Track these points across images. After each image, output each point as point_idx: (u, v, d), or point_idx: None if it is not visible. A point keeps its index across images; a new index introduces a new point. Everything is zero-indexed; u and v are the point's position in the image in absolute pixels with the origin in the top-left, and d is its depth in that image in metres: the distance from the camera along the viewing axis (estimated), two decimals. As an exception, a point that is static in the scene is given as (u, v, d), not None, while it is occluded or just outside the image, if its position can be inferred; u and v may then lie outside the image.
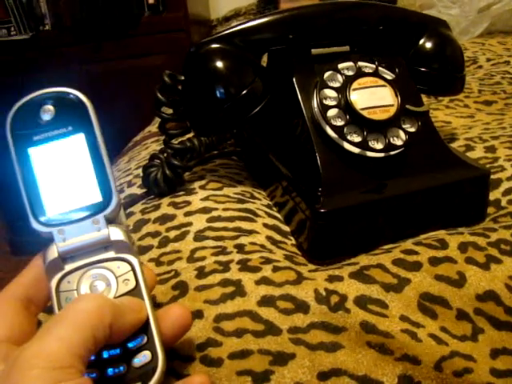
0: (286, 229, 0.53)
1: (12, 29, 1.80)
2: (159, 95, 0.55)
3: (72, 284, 0.33)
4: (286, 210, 0.53)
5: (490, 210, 0.53)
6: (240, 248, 0.47)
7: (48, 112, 0.35)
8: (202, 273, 0.45)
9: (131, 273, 0.34)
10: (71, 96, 0.35)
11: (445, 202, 0.50)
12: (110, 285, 0.33)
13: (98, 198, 0.35)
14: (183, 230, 0.50)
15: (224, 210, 0.53)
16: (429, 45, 0.59)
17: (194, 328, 0.40)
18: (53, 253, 0.34)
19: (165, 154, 0.59)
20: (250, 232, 0.50)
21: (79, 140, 0.35)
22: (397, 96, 0.50)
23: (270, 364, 0.38)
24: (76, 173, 0.35)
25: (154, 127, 0.95)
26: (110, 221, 0.35)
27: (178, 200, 0.55)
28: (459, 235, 0.47)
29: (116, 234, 0.34)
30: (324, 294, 0.42)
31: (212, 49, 0.53)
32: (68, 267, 0.34)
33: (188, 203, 0.54)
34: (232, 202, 0.55)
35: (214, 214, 0.52)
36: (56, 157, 0.35)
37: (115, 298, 0.33)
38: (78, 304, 0.30)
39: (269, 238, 0.50)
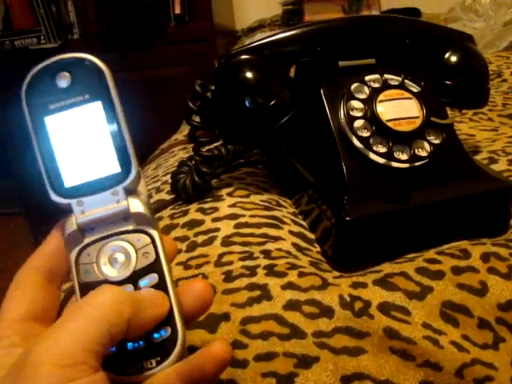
0: (311, 236, 0.54)
1: (42, 37, 1.83)
2: (190, 104, 0.56)
3: (91, 256, 0.33)
4: (311, 217, 0.54)
5: (513, 221, 0.54)
6: (266, 254, 0.49)
7: (64, 79, 0.33)
8: (229, 277, 0.46)
9: (151, 245, 0.33)
10: (88, 62, 0.33)
11: (468, 213, 0.51)
12: (129, 257, 0.33)
13: (116, 168, 0.33)
14: (211, 235, 0.52)
15: (251, 216, 0.54)
16: (454, 58, 0.60)
17: (220, 330, 0.41)
18: (72, 225, 0.33)
19: (193, 162, 0.60)
20: (277, 238, 0.51)
21: (97, 108, 0.33)
22: (422, 108, 0.51)
23: (294, 367, 0.39)
24: (94, 142, 0.33)
25: (180, 135, 0.96)
26: (130, 192, 0.33)
27: (205, 206, 0.57)
28: (482, 245, 0.47)
29: (136, 205, 0.33)
30: (348, 299, 0.43)
31: (242, 60, 0.55)
32: (87, 239, 0.33)
33: (216, 209, 0.55)
34: (259, 209, 0.56)
35: (242, 220, 0.53)
36: (73, 126, 0.33)
37: (135, 271, 0.32)
38: (95, 297, 0.29)
39: (294, 244, 0.51)
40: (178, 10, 1.83)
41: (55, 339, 0.27)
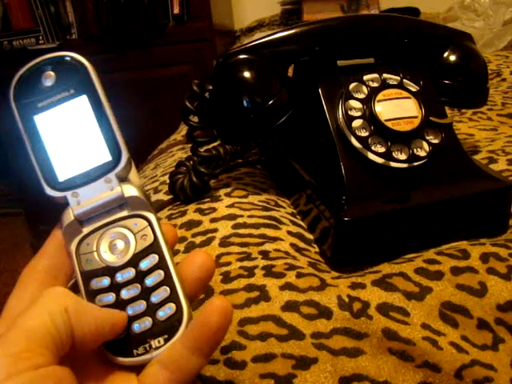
0: (310, 237, 0.53)
1: (40, 38, 1.83)
2: (188, 104, 0.56)
3: (91, 246, 0.34)
4: (309, 218, 0.54)
5: (512, 221, 0.53)
6: (265, 254, 0.48)
7: (49, 77, 0.34)
8: (227, 277, 0.46)
9: (148, 228, 0.34)
10: (70, 59, 0.35)
11: (467, 213, 0.50)
12: (128, 242, 0.34)
13: (107, 157, 0.34)
14: (209, 235, 0.52)
15: (249, 217, 0.54)
16: (453, 58, 0.60)
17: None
18: (69, 216, 0.34)
19: (191, 162, 0.60)
20: (275, 239, 0.51)
21: (83, 102, 0.34)
22: (421, 108, 0.51)
23: (292, 368, 0.39)
24: (83, 135, 0.34)
25: (179, 135, 0.96)
26: (122, 179, 0.34)
27: (203, 206, 0.56)
28: (481, 246, 0.47)
29: (129, 190, 0.34)
30: (347, 300, 0.42)
31: (240, 59, 0.54)
32: (86, 230, 0.34)
33: (214, 210, 0.55)
34: (257, 209, 0.56)
35: (240, 220, 0.53)
36: (62, 121, 0.34)
37: (135, 254, 0.33)
38: (41, 294, 0.30)
39: (293, 245, 0.51)
40: (176, 10, 1.83)
41: (6, 333, 0.28)
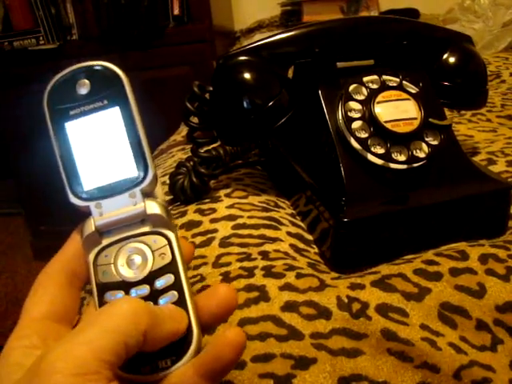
0: (309, 237, 0.54)
1: (41, 38, 1.83)
2: (188, 105, 0.56)
3: (109, 258, 0.33)
4: (309, 219, 0.54)
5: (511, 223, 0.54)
6: (264, 255, 0.49)
7: (84, 86, 0.34)
8: (227, 278, 0.46)
9: (167, 247, 0.34)
10: (106, 69, 0.35)
11: (466, 215, 0.51)
12: (146, 259, 0.33)
13: (134, 171, 0.34)
14: (209, 236, 0.52)
15: (249, 217, 0.54)
16: (452, 59, 0.60)
17: (218, 331, 0.41)
18: (90, 227, 0.33)
19: (191, 163, 0.60)
20: (274, 240, 0.51)
21: (115, 113, 0.35)
22: (420, 109, 0.51)
23: (291, 368, 0.39)
24: (112, 146, 0.35)
25: (179, 136, 0.96)
26: (147, 195, 0.34)
27: (203, 207, 0.57)
28: (480, 247, 0.47)
29: (152, 207, 0.34)
30: (346, 301, 0.43)
31: (240, 61, 0.55)
32: (105, 241, 0.34)
33: (214, 210, 0.56)
34: (257, 210, 0.56)
35: (240, 221, 0.53)
36: (92, 130, 0.35)
37: (151, 272, 0.33)
38: (113, 307, 0.29)
39: (292, 245, 0.51)
40: (176, 11, 1.83)
41: (69, 347, 0.27)
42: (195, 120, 0.59)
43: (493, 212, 0.52)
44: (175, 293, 0.33)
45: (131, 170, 0.34)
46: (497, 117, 0.80)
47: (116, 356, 0.27)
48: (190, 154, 0.61)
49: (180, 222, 0.55)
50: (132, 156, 0.34)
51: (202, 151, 0.61)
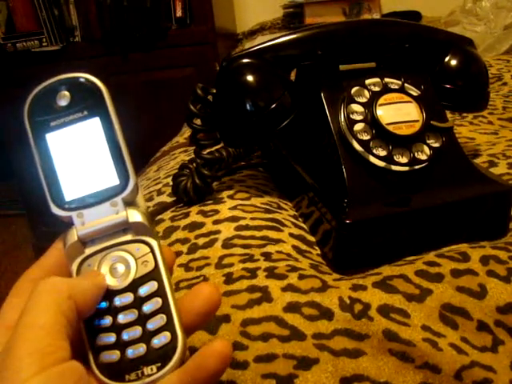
0: (312, 239, 0.54)
1: (44, 40, 1.84)
2: (192, 107, 0.56)
3: (92, 267, 0.33)
4: (311, 220, 0.55)
5: (512, 225, 0.54)
6: (267, 256, 0.49)
7: (64, 97, 0.35)
8: (229, 279, 0.46)
9: (150, 254, 0.34)
10: (86, 81, 0.35)
11: (467, 217, 0.51)
12: (129, 267, 0.33)
13: (115, 180, 0.34)
14: (212, 237, 0.52)
15: (252, 219, 0.54)
16: (454, 62, 0.60)
17: (220, 332, 0.41)
18: (72, 236, 0.34)
19: (194, 164, 0.61)
20: (277, 241, 0.52)
21: (95, 124, 0.35)
22: (422, 112, 0.51)
23: (294, 368, 0.39)
24: (93, 157, 0.35)
25: (181, 138, 0.97)
26: (128, 203, 0.34)
27: (206, 208, 0.57)
28: (481, 248, 0.47)
29: (134, 216, 0.34)
30: (348, 302, 0.43)
31: (243, 63, 0.55)
32: (88, 251, 0.34)
33: (216, 212, 0.56)
34: (259, 211, 0.56)
35: (242, 222, 0.54)
36: (73, 141, 0.35)
37: (134, 279, 0.33)
38: (36, 289, 0.30)
39: (295, 247, 0.51)
40: (179, 13, 1.84)
41: (24, 332, 0.28)
42: (198, 122, 0.59)
43: (494, 214, 0.52)
44: (159, 299, 0.33)
45: (112, 180, 0.34)
46: (498, 119, 0.81)
47: (63, 326, 0.29)
48: (192, 155, 0.62)
49: (183, 223, 0.55)
50: (113, 165, 0.35)
51: (205, 153, 0.61)
